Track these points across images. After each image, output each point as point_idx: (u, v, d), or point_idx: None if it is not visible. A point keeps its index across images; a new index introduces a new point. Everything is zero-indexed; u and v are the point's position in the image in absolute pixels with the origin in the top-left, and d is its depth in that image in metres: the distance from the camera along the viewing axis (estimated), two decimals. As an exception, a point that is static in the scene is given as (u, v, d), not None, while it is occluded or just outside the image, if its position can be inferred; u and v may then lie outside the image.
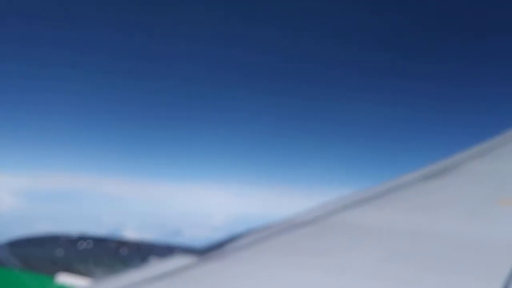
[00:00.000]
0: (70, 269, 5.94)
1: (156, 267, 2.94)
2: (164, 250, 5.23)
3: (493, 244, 3.20)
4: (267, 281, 2.64)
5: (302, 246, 3.27)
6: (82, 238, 6.17)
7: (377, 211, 4.11)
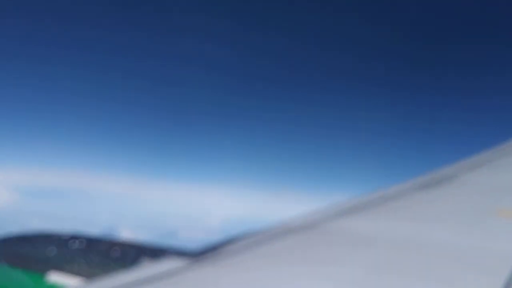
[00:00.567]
0: (61, 268, 5.92)
1: (148, 269, 2.92)
2: (156, 252, 5.21)
3: (490, 254, 3.20)
4: (259, 286, 2.63)
5: (295, 252, 3.26)
6: (74, 237, 6.15)
7: (372, 219, 4.10)
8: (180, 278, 2.72)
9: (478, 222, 4.10)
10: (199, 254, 3.05)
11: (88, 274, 5.59)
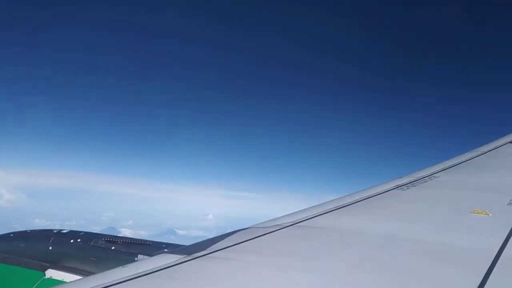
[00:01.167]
0: (58, 265, 5.91)
1: (143, 264, 3.00)
2: (152, 248, 5.25)
3: (466, 252, 3.33)
4: (250, 280, 2.74)
5: (284, 247, 3.37)
6: (72, 234, 6.13)
7: (355, 217, 4.23)
8: (175, 273, 2.82)
9: (455, 220, 4.24)
10: (192, 250, 3.14)
11: (85, 270, 5.60)
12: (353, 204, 4.61)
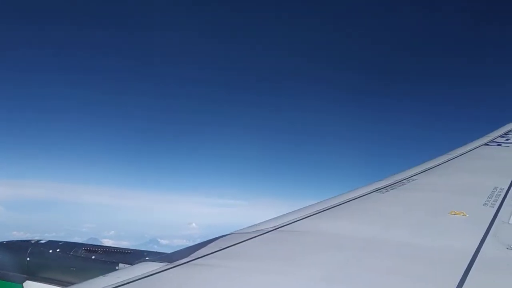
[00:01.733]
0: (37, 276, 5.78)
1: (124, 273, 2.98)
2: (133, 257, 5.18)
3: (444, 253, 3.39)
4: (232, 286, 2.75)
5: (266, 252, 3.39)
6: (50, 244, 5.99)
7: (336, 220, 4.27)
8: (157, 281, 2.81)
9: (432, 221, 4.30)
10: (174, 258, 3.13)
11: (65, 281, 5.48)
12: (333, 208, 4.65)
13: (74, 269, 5.48)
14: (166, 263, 3.04)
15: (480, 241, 3.58)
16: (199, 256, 3.19)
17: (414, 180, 6.02)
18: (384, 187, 5.54)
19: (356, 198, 5.08)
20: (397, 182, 5.82)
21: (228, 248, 3.37)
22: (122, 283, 2.75)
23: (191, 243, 3.52)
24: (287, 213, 4.35)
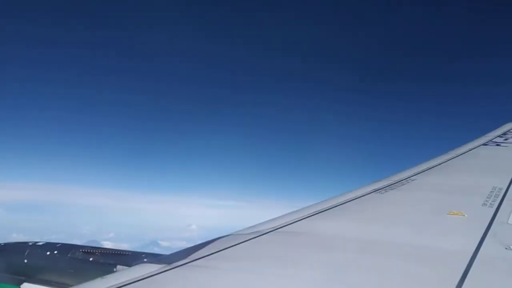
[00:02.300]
0: (35, 278, 5.76)
1: (122, 275, 2.96)
2: (131, 258, 5.17)
3: (443, 253, 3.39)
4: (230, 287, 2.73)
5: (263, 253, 3.37)
6: (48, 246, 5.98)
7: (334, 221, 4.25)
8: (155, 283, 2.79)
9: (431, 222, 4.30)
10: (172, 259, 3.11)
11: (62, 283, 5.47)
12: (332, 209, 4.64)
13: (72, 271, 5.47)
14: (164, 265, 3.02)
15: (479, 241, 3.57)
16: (197, 257, 3.17)
17: (413, 180, 6.02)
18: (383, 188, 5.54)
19: (355, 199, 5.07)
20: (396, 183, 5.82)
21: (226, 250, 3.36)
22: (120, 285, 2.74)
23: (191, 245, 3.51)
24: (285, 214, 4.34)
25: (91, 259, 5.52)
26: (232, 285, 2.78)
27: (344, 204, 4.84)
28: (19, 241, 6.30)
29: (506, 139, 9.43)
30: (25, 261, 5.83)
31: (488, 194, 5.19)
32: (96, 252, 5.60)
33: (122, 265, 5.08)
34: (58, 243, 6.00)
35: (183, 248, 3.46)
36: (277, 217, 4.26)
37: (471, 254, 3.26)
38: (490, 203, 4.83)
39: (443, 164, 7.25)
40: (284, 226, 4.00)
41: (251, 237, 3.66)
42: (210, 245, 3.44)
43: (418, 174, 6.41)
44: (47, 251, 5.84)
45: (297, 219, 4.20)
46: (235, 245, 3.48)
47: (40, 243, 6.03)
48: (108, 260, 5.39)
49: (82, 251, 5.67)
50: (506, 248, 3.45)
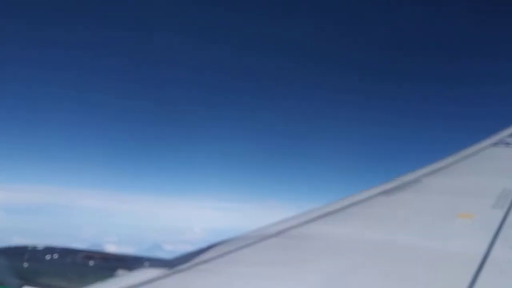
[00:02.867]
0: (34, 282, 5.74)
1: (122, 280, 2.92)
2: (133, 263, 5.14)
3: (453, 256, 3.33)
4: None
5: (268, 257, 3.32)
6: (48, 250, 5.96)
7: (340, 224, 4.20)
8: (157, 287, 2.74)
9: (440, 224, 4.24)
10: (175, 264, 3.06)
11: (62, 287, 5.44)
12: (338, 211, 4.58)
13: (71, 275, 5.45)
14: (166, 270, 2.97)
15: (489, 244, 3.52)
16: (199, 262, 3.12)
17: (421, 182, 5.95)
18: (391, 189, 5.47)
19: (362, 201, 5.00)
20: (404, 184, 5.75)
21: (229, 254, 3.30)
22: None
23: (194, 248, 3.45)
24: (290, 217, 4.28)
25: (91, 263, 5.50)
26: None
27: (351, 207, 4.77)
28: (19, 245, 6.29)
29: None
30: (25, 265, 5.82)
31: (498, 196, 5.11)
32: (96, 256, 5.57)
33: (123, 269, 5.04)
34: (57, 247, 5.98)
35: (185, 252, 3.41)
36: (282, 220, 4.20)
37: (481, 257, 3.20)
38: (501, 205, 4.76)
39: (451, 165, 7.16)
40: (290, 229, 3.94)
41: (255, 241, 3.60)
42: (213, 249, 3.39)
43: (426, 175, 6.33)
44: (47, 255, 5.82)
45: (303, 222, 4.13)
46: (239, 248, 3.43)
47: (40, 247, 6.02)
48: (108, 264, 5.36)
49: (82, 255, 5.64)
50: None
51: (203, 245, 3.47)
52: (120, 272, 5.07)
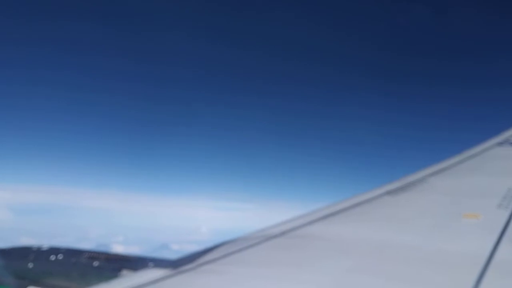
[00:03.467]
0: (39, 282, 5.76)
1: (127, 280, 2.92)
2: (137, 263, 5.14)
3: (458, 256, 3.31)
4: None
5: (272, 257, 3.30)
6: (53, 250, 5.98)
7: (345, 224, 4.18)
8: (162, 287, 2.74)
9: (445, 225, 4.21)
10: (179, 264, 3.06)
11: (68, 286, 5.45)
12: (343, 212, 4.56)
13: (76, 275, 5.45)
14: (170, 270, 2.97)
15: (495, 244, 3.50)
16: (204, 262, 3.11)
17: (425, 182, 5.92)
18: (395, 190, 5.44)
19: (367, 201, 4.98)
20: (409, 184, 5.72)
21: (233, 254, 3.30)
22: None
23: (200, 248, 3.45)
24: (295, 217, 4.26)
25: (95, 263, 5.50)
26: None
27: (355, 207, 4.76)
28: (24, 246, 6.31)
29: None
30: (30, 265, 5.83)
31: (504, 196, 5.08)
32: (101, 257, 5.58)
33: (127, 269, 5.04)
34: (62, 248, 6.00)
35: (189, 252, 3.41)
36: (287, 220, 4.19)
37: (486, 258, 3.18)
38: (506, 205, 4.73)
39: (456, 165, 7.13)
40: (294, 229, 3.93)
41: (260, 241, 3.60)
42: (217, 249, 3.38)
43: (431, 175, 6.30)
44: (52, 256, 5.83)
45: (307, 222, 4.12)
46: (244, 249, 3.42)
47: (45, 248, 6.03)
48: (113, 265, 5.36)
49: (87, 255, 5.65)
50: None
51: (209, 245, 3.47)
52: (124, 272, 5.07)
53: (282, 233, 3.80)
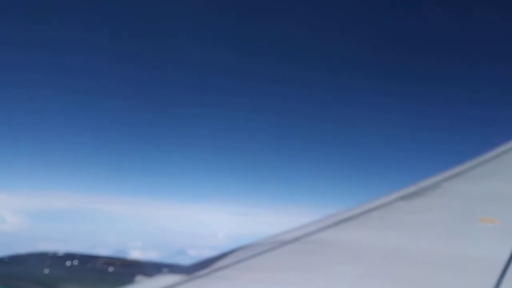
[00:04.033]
0: (56, 287, 5.80)
1: (141, 286, 2.92)
2: (152, 269, 5.16)
3: (474, 261, 3.27)
4: None
5: (285, 263, 3.29)
6: (69, 256, 6.03)
7: (358, 230, 4.16)
8: None
9: (461, 230, 4.18)
10: (194, 270, 3.06)
11: None
12: (357, 217, 4.53)
13: (91, 281, 5.48)
14: (184, 276, 2.97)
15: None
16: (218, 268, 3.11)
17: (440, 186, 5.86)
18: (410, 194, 5.40)
19: (380, 207, 4.95)
20: (423, 189, 5.67)
21: (246, 260, 3.29)
22: None
23: (216, 254, 3.45)
24: (309, 223, 4.25)
25: (110, 269, 5.53)
26: None
27: (370, 212, 4.73)
28: (40, 251, 6.37)
29: None
30: (46, 271, 5.87)
31: None
32: (116, 263, 5.60)
33: (142, 275, 5.05)
34: (78, 253, 6.03)
35: (203, 258, 3.40)
36: (300, 225, 4.17)
37: (504, 264, 3.14)
38: None
39: (471, 169, 7.05)
40: (308, 235, 3.91)
41: (273, 247, 3.58)
42: (231, 255, 3.38)
43: (445, 180, 6.24)
44: (68, 262, 5.87)
45: (320, 228, 4.10)
46: (257, 255, 3.41)
47: (60, 254, 6.07)
48: (127, 270, 5.39)
49: (102, 261, 5.69)
50: None
51: (224, 250, 3.47)
52: (139, 278, 5.08)
53: (295, 239, 3.78)
